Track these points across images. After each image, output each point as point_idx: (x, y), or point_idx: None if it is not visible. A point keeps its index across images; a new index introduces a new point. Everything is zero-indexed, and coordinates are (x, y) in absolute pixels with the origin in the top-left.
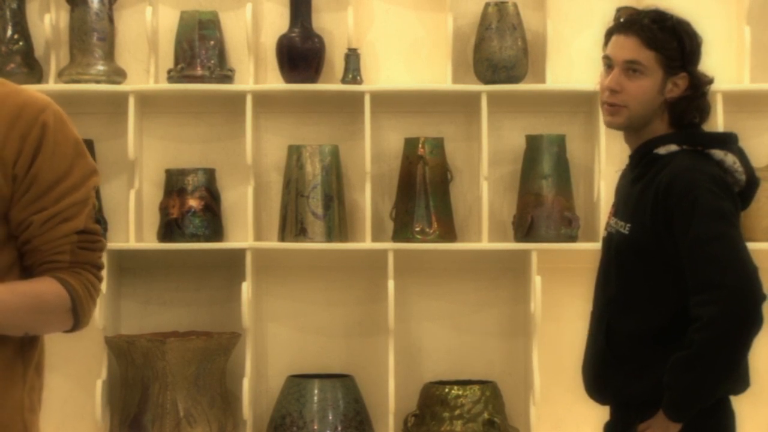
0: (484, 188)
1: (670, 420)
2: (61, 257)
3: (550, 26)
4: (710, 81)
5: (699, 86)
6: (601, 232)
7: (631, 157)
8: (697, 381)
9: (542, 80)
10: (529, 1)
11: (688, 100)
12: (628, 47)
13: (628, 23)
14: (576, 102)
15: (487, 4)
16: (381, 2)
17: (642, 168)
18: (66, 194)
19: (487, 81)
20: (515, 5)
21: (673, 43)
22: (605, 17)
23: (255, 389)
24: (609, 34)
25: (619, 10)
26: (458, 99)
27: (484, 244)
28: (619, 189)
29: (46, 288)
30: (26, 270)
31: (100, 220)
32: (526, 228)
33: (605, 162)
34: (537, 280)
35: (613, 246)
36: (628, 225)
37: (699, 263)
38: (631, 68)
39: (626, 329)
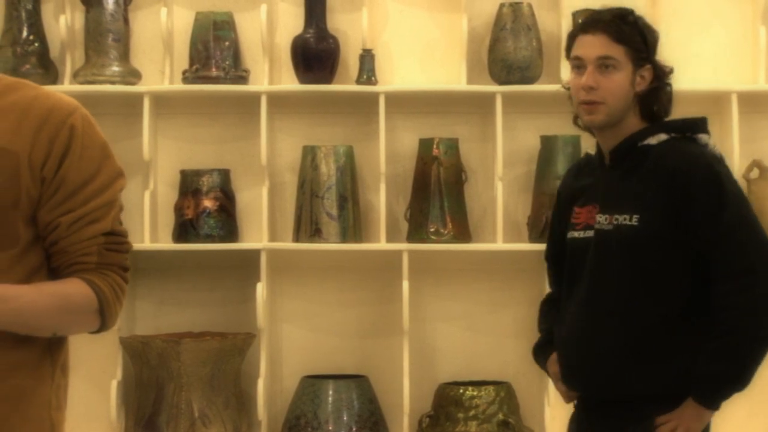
0: (498, 189)
1: (706, 408)
2: (88, 258)
3: (565, 26)
4: (671, 70)
5: (662, 76)
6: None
7: (613, 153)
8: (738, 368)
9: (557, 81)
10: (544, 2)
11: (656, 92)
12: (597, 44)
13: (593, 22)
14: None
15: (502, 5)
16: (395, 3)
17: (631, 161)
18: (93, 196)
19: (501, 81)
20: (530, 5)
21: (637, 37)
22: None
23: (270, 390)
24: (573, 37)
25: (577, 14)
26: (473, 100)
27: (499, 245)
28: (592, 186)
29: (73, 289)
30: (53, 271)
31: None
32: (540, 228)
33: None
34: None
35: (614, 241)
36: (636, 216)
37: (731, 250)
38: (604, 64)
39: (644, 321)
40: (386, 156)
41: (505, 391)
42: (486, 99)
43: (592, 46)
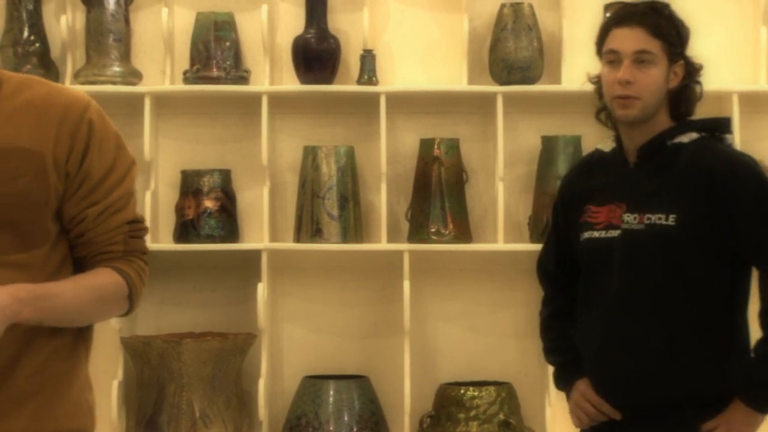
0: (499, 189)
1: (758, 412)
2: (114, 248)
3: (566, 26)
4: (701, 67)
5: (693, 73)
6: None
7: (642, 150)
8: None
9: (558, 81)
10: (545, 2)
11: (686, 89)
12: (635, 38)
13: (630, 15)
14: (592, 103)
15: (503, 5)
16: (396, 3)
17: (660, 159)
18: (114, 187)
19: (502, 82)
20: (531, 6)
21: (673, 31)
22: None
23: (270, 390)
24: (607, 29)
25: (608, 6)
26: (474, 100)
27: (500, 245)
28: (611, 184)
29: (106, 279)
30: (78, 261)
31: None
32: (541, 229)
33: None
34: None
35: (647, 241)
36: (672, 216)
37: None
38: (641, 59)
39: (685, 323)
40: (387, 156)
41: (506, 391)
42: (487, 99)
43: (630, 39)
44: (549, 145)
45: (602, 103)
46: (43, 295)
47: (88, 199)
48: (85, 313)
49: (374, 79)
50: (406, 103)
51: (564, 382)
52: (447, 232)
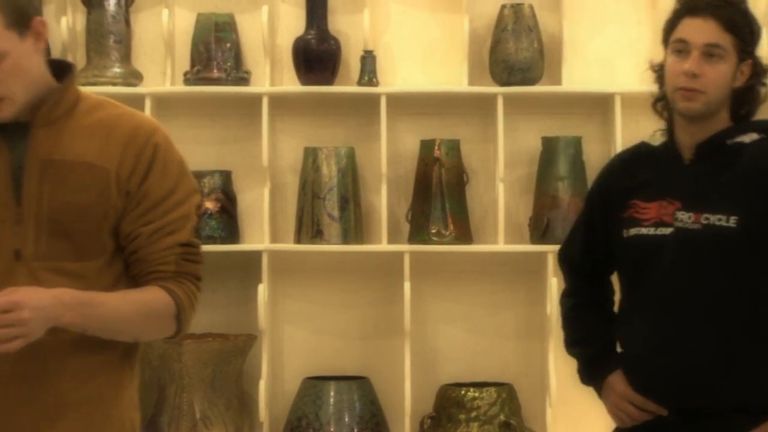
0: (500, 190)
1: None
2: (166, 267)
3: (566, 28)
4: (766, 68)
5: (761, 74)
6: (633, 231)
7: (700, 147)
8: None
9: (558, 82)
10: (545, 3)
11: (752, 89)
12: (707, 30)
13: (704, 5)
14: (592, 104)
15: (503, 6)
16: (397, 4)
17: (720, 158)
18: (172, 209)
19: (503, 83)
20: (531, 7)
21: (746, 28)
22: (621, 18)
23: (271, 391)
24: (677, 17)
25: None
26: (474, 101)
27: (500, 246)
28: (662, 180)
29: (154, 296)
30: (133, 278)
31: None
32: (542, 230)
33: None
34: (553, 282)
35: (704, 241)
36: (734, 218)
37: None
38: (710, 52)
39: (739, 327)
40: (387, 157)
41: (506, 392)
42: (487, 100)
43: (701, 30)
44: (549, 146)
45: (662, 93)
46: (88, 301)
47: (144, 218)
48: (129, 326)
49: (375, 80)
50: (407, 104)
51: (593, 376)
52: (447, 233)
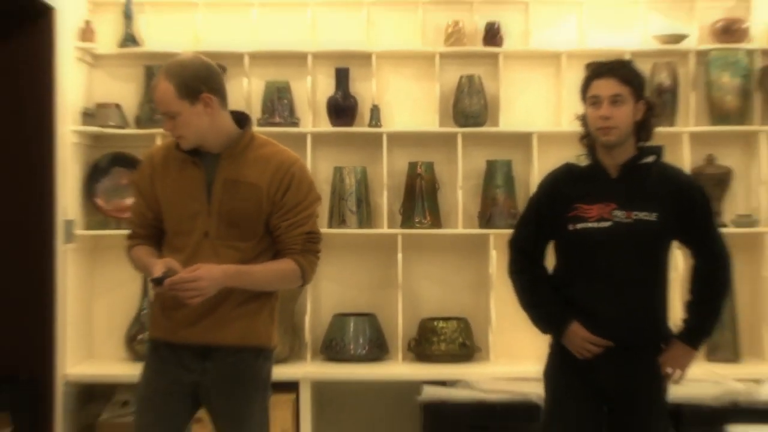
0: (459, 195)
1: (695, 349)
2: (295, 247)
3: (502, 90)
4: (655, 105)
5: (652, 108)
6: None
7: (623, 167)
8: (716, 321)
9: (496, 124)
10: (488, 74)
11: (648, 121)
12: (610, 85)
13: (606, 69)
14: (519, 139)
15: (461, 77)
16: (393, 75)
17: (636, 173)
18: (301, 211)
19: (461, 125)
20: (479, 77)
21: (636, 79)
22: (537, 84)
23: (312, 323)
24: (589, 80)
25: (589, 65)
26: (442, 137)
27: (459, 230)
28: (592, 188)
29: (286, 266)
30: (277, 253)
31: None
32: (486, 220)
33: (537, 178)
34: (493, 254)
35: (636, 232)
36: (654, 214)
37: (714, 240)
38: (615, 100)
39: (654, 287)
40: (387, 173)
41: (463, 324)
42: (451, 136)
43: (607, 86)
44: (491, 166)
45: (586, 132)
46: (244, 271)
47: (284, 217)
48: (267, 285)
49: (379, 123)
50: (399, 139)
51: (556, 326)
52: (426, 221)
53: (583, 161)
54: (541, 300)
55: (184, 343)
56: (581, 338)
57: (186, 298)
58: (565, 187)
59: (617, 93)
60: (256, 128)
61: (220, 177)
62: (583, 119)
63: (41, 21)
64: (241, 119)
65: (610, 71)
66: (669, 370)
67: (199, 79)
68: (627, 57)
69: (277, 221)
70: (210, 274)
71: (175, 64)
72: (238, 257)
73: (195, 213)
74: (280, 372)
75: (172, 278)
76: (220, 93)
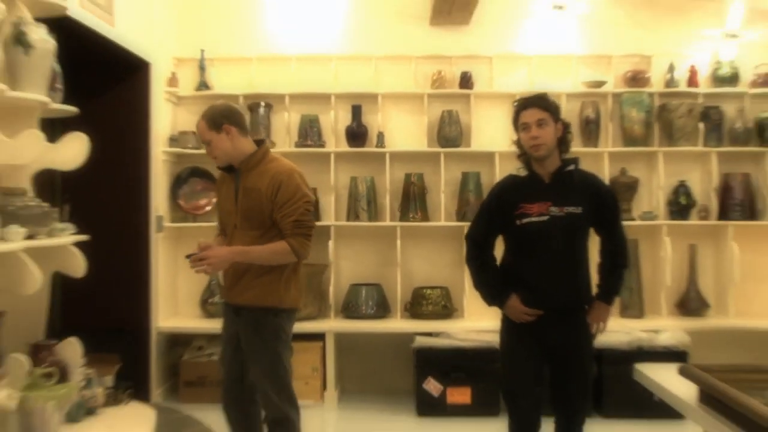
0: (442, 197)
1: (609, 305)
2: (287, 231)
3: (473, 121)
4: (569, 125)
5: (567, 127)
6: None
7: (553, 175)
8: (621, 284)
9: (469, 145)
10: (463, 110)
11: (565, 137)
12: (535, 113)
13: (530, 102)
14: (485, 156)
15: (443, 111)
16: (394, 110)
17: (563, 179)
18: (289, 206)
19: (443, 146)
20: (456, 111)
21: (553, 107)
22: (497, 118)
23: (335, 290)
24: (518, 111)
25: (517, 100)
26: (430, 155)
27: (442, 223)
28: (532, 192)
29: (280, 246)
30: (279, 235)
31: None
32: (461, 215)
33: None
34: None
35: (567, 223)
36: (580, 208)
37: (619, 229)
38: (540, 123)
39: (582, 266)
40: (389, 181)
41: (445, 291)
42: (436, 154)
43: (532, 114)
44: (465, 176)
45: (522, 151)
46: (245, 251)
47: (278, 211)
48: (264, 260)
49: (383, 145)
50: (398, 157)
51: (498, 300)
52: (417, 216)
53: (522, 172)
54: (488, 280)
55: (228, 302)
56: (517, 309)
57: (198, 268)
58: (510, 192)
59: (541, 118)
60: (293, 149)
61: (241, 185)
62: (518, 142)
63: (141, 72)
64: (259, 143)
65: (533, 103)
66: (595, 327)
67: (222, 116)
68: (563, 98)
69: (275, 215)
70: (217, 252)
71: (208, 108)
72: (250, 241)
73: (229, 212)
74: (311, 326)
75: (193, 256)
76: (238, 125)
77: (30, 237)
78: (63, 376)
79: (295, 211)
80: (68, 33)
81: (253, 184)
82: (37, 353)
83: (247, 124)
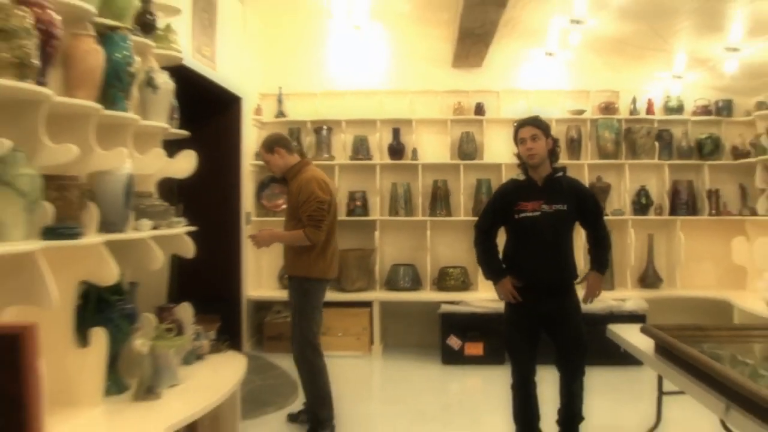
0: (461, 198)
1: (602, 274)
2: (304, 222)
3: (485, 140)
4: (558, 140)
5: (556, 142)
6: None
7: (545, 180)
8: (608, 261)
9: (483, 159)
10: (477, 131)
11: (554, 149)
12: (530, 130)
13: (526, 122)
14: (494, 167)
15: (462, 132)
16: (425, 132)
17: (553, 184)
18: (306, 205)
19: (462, 159)
20: (472, 133)
21: (544, 125)
22: (501, 139)
23: (380, 268)
24: (517, 129)
25: (517, 122)
26: (452, 166)
27: (462, 218)
28: (527, 192)
29: (297, 233)
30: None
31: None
32: (477, 212)
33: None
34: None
35: (555, 217)
36: (566, 205)
37: (601, 221)
38: (534, 138)
39: (567, 252)
40: (421, 186)
41: (464, 270)
42: (457, 165)
43: (528, 131)
44: (479, 182)
45: (521, 161)
46: (277, 235)
47: (300, 209)
48: (289, 242)
49: (416, 158)
50: (428, 167)
51: (495, 277)
52: (443, 213)
53: (521, 177)
54: (488, 261)
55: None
56: (506, 289)
57: (253, 244)
58: (510, 193)
59: (534, 133)
60: (348, 161)
61: (287, 190)
62: (518, 154)
63: (235, 105)
64: (302, 159)
65: (528, 122)
66: (590, 299)
67: (273, 142)
68: (553, 122)
69: (299, 211)
70: (261, 234)
71: (265, 137)
72: (290, 229)
73: (284, 209)
74: (362, 296)
75: (250, 236)
76: (286, 147)
77: (155, 228)
78: (179, 330)
79: (309, 208)
80: (183, 76)
81: (291, 189)
82: (161, 313)
83: (292, 145)
